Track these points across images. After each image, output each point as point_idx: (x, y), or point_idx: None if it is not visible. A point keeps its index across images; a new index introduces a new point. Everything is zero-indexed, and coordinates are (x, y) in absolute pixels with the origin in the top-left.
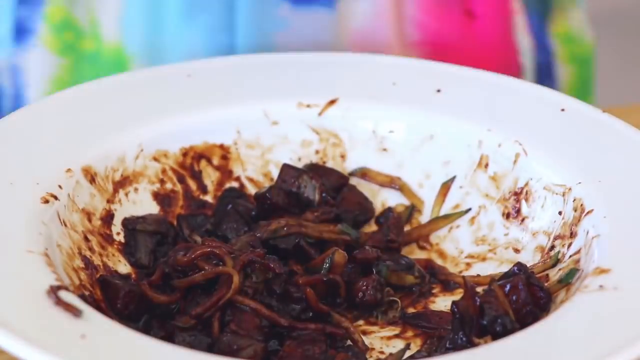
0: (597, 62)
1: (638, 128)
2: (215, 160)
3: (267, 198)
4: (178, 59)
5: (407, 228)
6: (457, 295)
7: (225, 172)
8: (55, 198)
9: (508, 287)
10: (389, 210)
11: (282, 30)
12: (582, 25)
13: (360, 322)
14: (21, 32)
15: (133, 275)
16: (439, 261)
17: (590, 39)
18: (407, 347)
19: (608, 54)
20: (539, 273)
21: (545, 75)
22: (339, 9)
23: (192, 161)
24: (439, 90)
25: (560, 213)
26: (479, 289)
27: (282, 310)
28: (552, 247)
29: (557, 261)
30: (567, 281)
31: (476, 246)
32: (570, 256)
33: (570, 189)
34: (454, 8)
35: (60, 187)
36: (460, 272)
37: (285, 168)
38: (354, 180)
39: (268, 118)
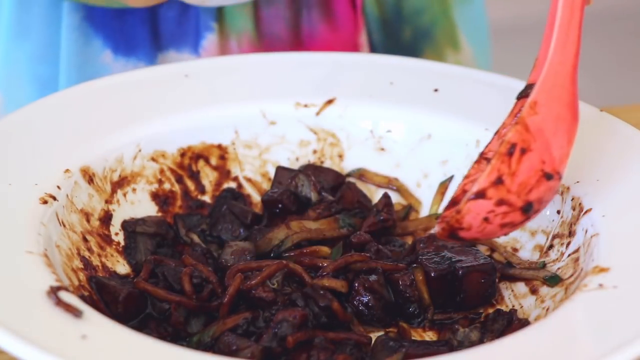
0: (596, 62)
1: (636, 127)
2: (213, 161)
3: (278, 202)
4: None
5: (405, 221)
6: None
7: (223, 172)
8: (54, 199)
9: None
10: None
11: (104, 76)
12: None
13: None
14: None
15: (132, 276)
16: None
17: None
18: (402, 348)
19: (608, 54)
20: (522, 268)
21: None
22: (160, 62)
23: (190, 161)
24: (436, 90)
25: (558, 212)
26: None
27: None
28: (551, 246)
29: (543, 266)
30: (551, 282)
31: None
32: (569, 255)
33: (568, 188)
34: None
35: (58, 187)
36: None
37: (280, 170)
38: (351, 181)
39: (266, 118)
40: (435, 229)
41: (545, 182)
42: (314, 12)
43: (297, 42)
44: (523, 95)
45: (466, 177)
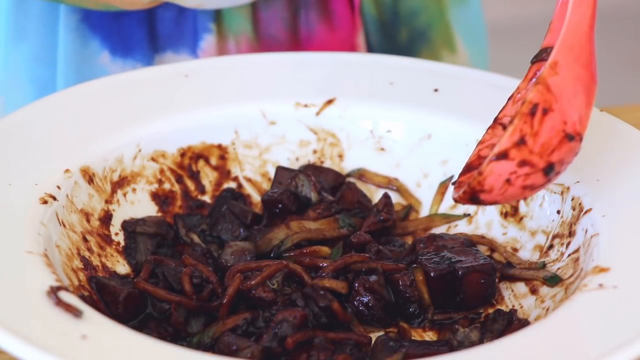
0: (597, 62)
1: (636, 127)
2: (213, 161)
3: (278, 202)
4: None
5: (405, 221)
6: None
7: (224, 172)
8: (54, 199)
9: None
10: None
11: (102, 77)
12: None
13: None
14: None
15: (132, 276)
16: None
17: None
18: (402, 348)
19: (608, 54)
20: (521, 268)
21: None
22: (157, 64)
23: (190, 161)
24: (436, 90)
25: (558, 212)
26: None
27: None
28: (551, 246)
29: (543, 266)
30: (551, 282)
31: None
32: (569, 255)
33: (568, 187)
34: None
35: (58, 187)
36: None
37: (280, 170)
38: (351, 181)
39: (266, 118)
40: (453, 194)
41: (567, 143)
42: (311, 13)
43: (295, 42)
44: (538, 59)
45: (481, 142)
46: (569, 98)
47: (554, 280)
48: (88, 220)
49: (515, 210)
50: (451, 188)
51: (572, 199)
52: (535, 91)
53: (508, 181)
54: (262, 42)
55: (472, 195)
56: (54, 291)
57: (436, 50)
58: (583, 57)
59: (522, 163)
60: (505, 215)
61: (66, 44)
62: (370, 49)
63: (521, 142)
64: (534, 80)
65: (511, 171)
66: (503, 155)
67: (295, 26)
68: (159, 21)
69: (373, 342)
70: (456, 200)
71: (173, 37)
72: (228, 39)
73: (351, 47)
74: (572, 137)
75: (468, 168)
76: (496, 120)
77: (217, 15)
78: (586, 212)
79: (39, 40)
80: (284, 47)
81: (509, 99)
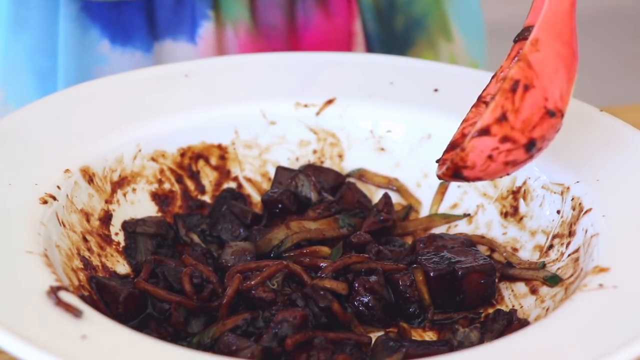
0: (596, 62)
1: (636, 127)
2: (213, 161)
3: (278, 202)
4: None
5: (405, 221)
6: None
7: (223, 172)
8: (54, 199)
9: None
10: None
11: (102, 66)
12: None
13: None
14: None
15: (132, 276)
16: None
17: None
18: (402, 348)
19: (608, 54)
20: (521, 268)
21: None
22: (157, 51)
23: (190, 161)
24: (436, 90)
25: (558, 212)
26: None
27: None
28: (551, 246)
29: (543, 266)
30: (551, 282)
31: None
32: (569, 255)
33: (568, 187)
34: (280, 45)
35: (58, 187)
36: None
37: (280, 170)
38: (351, 181)
39: (266, 118)
40: (437, 171)
41: (548, 120)
42: (309, 1)
43: (293, 30)
44: (520, 38)
45: (465, 120)
46: (550, 75)
47: (554, 280)
48: (88, 220)
49: (515, 210)
50: (451, 187)
51: (572, 199)
52: (516, 68)
53: (490, 157)
54: (260, 30)
55: (455, 171)
56: (54, 291)
57: (432, 38)
58: (564, 34)
59: (504, 139)
60: (505, 215)
61: (66, 34)
62: (367, 37)
63: (502, 118)
64: (516, 58)
65: (493, 147)
66: (485, 131)
67: (293, 14)
68: (157, 9)
69: (373, 342)
70: (440, 177)
71: (172, 25)
72: (226, 27)
73: (348, 35)
74: (553, 114)
75: (452, 146)
76: (480, 99)
77: (215, 3)
78: (586, 212)
79: (39, 31)
80: (282, 35)
81: (492, 77)
